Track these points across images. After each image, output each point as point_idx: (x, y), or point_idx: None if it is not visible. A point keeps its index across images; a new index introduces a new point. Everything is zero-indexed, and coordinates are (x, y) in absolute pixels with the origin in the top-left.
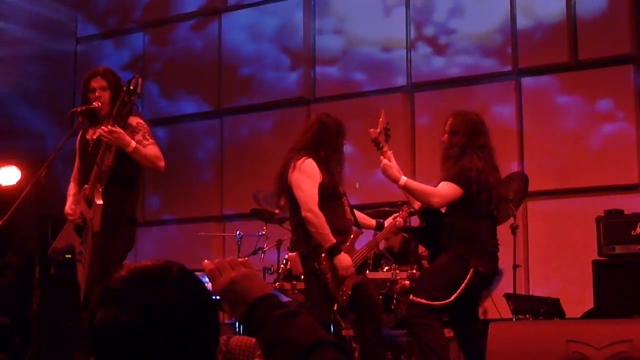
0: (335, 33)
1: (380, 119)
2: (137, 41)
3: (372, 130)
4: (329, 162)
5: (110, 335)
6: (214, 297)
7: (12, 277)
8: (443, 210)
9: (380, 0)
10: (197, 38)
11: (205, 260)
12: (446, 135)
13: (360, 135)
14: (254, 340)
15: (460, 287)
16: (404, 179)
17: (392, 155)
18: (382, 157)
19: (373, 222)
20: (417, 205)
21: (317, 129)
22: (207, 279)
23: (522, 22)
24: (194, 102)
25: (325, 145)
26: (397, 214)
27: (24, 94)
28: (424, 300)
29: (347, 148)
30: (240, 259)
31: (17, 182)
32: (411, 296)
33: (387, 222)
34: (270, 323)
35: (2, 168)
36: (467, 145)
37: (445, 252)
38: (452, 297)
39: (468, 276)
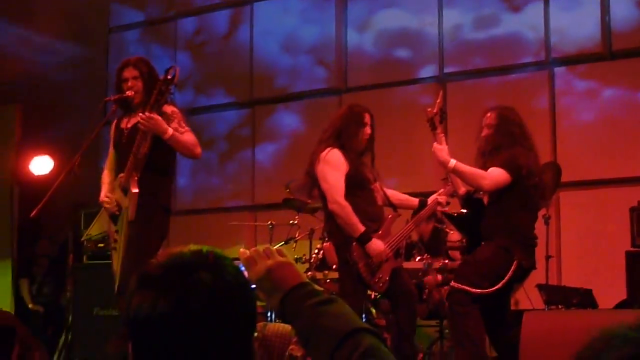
0: (367, 22)
1: (438, 100)
2: (171, 31)
3: (429, 109)
4: (354, 151)
5: (149, 321)
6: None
7: (46, 266)
8: (485, 200)
9: None
10: (230, 27)
11: (241, 249)
12: (486, 130)
13: (390, 123)
14: (289, 327)
15: (504, 279)
16: (453, 161)
17: (443, 137)
18: (434, 142)
19: (415, 201)
20: (462, 190)
21: (342, 118)
22: (242, 267)
23: (555, 11)
24: (226, 91)
25: (347, 135)
26: (441, 190)
27: (57, 83)
28: (466, 287)
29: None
30: (275, 247)
31: (50, 172)
32: (452, 282)
33: (431, 199)
34: (306, 311)
35: (36, 158)
36: (512, 138)
37: (487, 241)
38: (495, 288)
39: (512, 268)
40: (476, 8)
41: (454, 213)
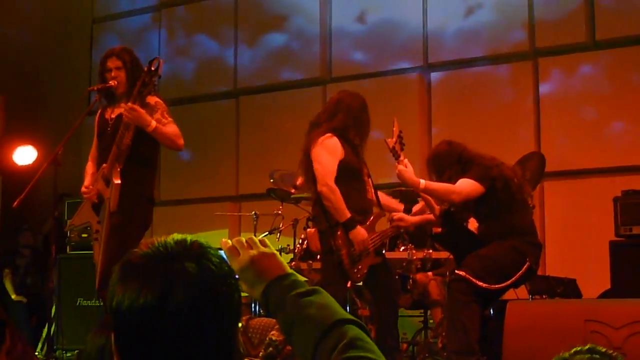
0: (352, 9)
1: (394, 128)
2: (154, 22)
3: (388, 140)
4: (357, 140)
5: (133, 311)
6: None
7: (29, 257)
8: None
9: None
10: (212, 17)
11: (224, 239)
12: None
13: (375, 114)
14: (273, 321)
15: (512, 279)
16: (422, 182)
17: (407, 162)
18: (397, 164)
19: (400, 207)
20: (436, 210)
21: (349, 107)
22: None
23: (538, 2)
24: (211, 83)
25: (359, 123)
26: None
27: (40, 73)
28: (470, 277)
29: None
30: (258, 238)
31: (33, 162)
32: (457, 270)
33: (416, 208)
34: (289, 302)
35: (19, 148)
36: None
37: (500, 240)
38: (500, 286)
39: (522, 270)
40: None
41: (436, 234)
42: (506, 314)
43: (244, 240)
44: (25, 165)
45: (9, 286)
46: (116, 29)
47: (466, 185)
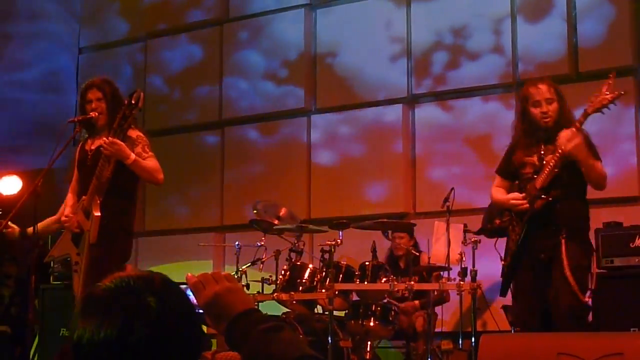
0: (336, 40)
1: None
2: (138, 52)
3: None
4: None
5: (93, 345)
6: (197, 311)
7: (13, 286)
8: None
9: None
10: (198, 48)
11: (188, 274)
12: (555, 104)
13: (356, 146)
14: (238, 356)
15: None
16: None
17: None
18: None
19: None
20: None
21: None
22: (190, 292)
23: (522, 32)
24: (196, 113)
25: None
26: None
27: (26, 102)
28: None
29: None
30: (224, 273)
31: (18, 192)
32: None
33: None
34: (253, 338)
35: (4, 177)
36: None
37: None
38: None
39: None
40: (444, 29)
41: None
42: (479, 347)
43: (209, 274)
44: (10, 195)
45: None
46: (102, 59)
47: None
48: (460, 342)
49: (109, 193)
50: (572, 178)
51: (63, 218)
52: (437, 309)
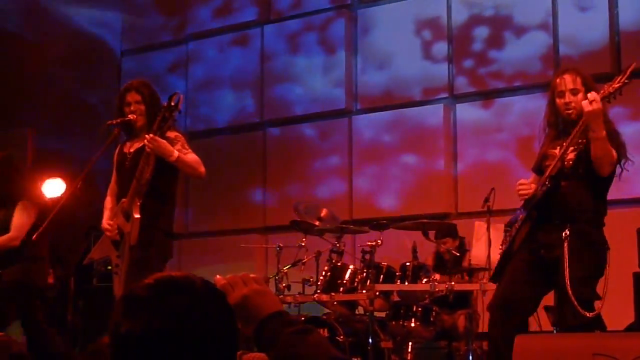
0: (377, 41)
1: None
2: (181, 54)
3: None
4: None
5: (130, 341)
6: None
7: (58, 288)
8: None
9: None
10: (238, 50)
11: (218, 276)
12: (581, 95)
13: (400, 145)
14: (265, 357)
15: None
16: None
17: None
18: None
19: None
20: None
21: None
22: None
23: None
24: (238, 113)
25: None
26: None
27: (69, 106)
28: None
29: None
30: (252, 275)
31: (62, 194)
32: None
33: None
34: (282, 340)
35: (48, 180)
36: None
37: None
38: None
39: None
40: (485, 28)
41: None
42: (514, 348)
43: (238, 277)
44: (54, 198)
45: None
46: (144, 62)
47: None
48: None
49: (149, 195)
50: (586, 171)
51: (104, 225)
52: (480, 309)
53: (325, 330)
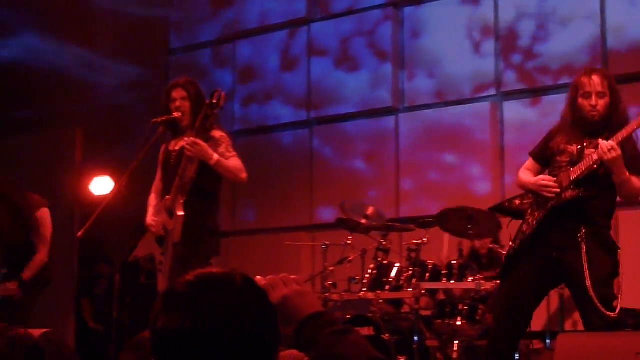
0: (423, 38)
1: None
2: (229, 53)
3: None
4: None
5: (172, 340)
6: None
7: (106, 286)
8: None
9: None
10: (287, 48)
11: (258, 277)
12: (607, 99)
13: (448, 144)
14: (302, 355)
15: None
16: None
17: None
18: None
19: None
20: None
21: None
22: None
23: (611, 42)
24: (285, 112)
25: None
26: None
27: (117, 105)
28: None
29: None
30: (292, 276)
31: (110, 193)
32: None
33: None
34: (322, 340)
35: (96, 178)
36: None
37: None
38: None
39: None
40: (533, 24)
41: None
42: (556, 346)
43: (278, 278)
44: (102, 196)
45: (87, 315)
46: (192, 61)
47: None
48: (548, 341)
49: (192, 192)
50: (608, 178)
51: (148, 222)
52: None
53: (371, 328)
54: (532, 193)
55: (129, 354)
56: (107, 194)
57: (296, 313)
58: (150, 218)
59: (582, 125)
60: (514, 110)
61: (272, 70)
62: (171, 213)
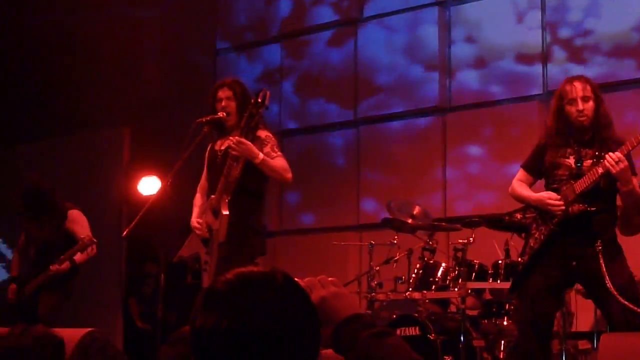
0: (470, 42)
1: None
2: (274, 53)
3: None
4: None
5: (211, 337)
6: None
7: (154, 285)
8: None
9: (513, 6)
10: (333, 48)
11: (295, 278)
12: (591, 103)
13: (494, 142)
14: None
15: None
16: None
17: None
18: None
19: None
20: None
21: None
22: None
23: None
24: (331, 112)
25: None
26: None
27: (165, 105)
28: None
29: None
30: (330, 278)
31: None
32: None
33: None
34: (360, 343)
35: (144, 178)
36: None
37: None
38: None
39: None
40: (583, 19)
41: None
42: (599, 347)
43: (316, 280)
44: (150, 196)
45: (134, 314)
46: (239, 61)
47: None
48: (596, 342)
49: (237, 192)
50: (611, 188)
51: (193, 223)
52: (573, 308)
53: (417, 328)
54: (534, 208)
55: (170, 349)
56: (155, 194)
57: (334, 315)
58: (194, 220)
59: (569, 134)
60: None
61: (319, 69)
62: (216, 212)
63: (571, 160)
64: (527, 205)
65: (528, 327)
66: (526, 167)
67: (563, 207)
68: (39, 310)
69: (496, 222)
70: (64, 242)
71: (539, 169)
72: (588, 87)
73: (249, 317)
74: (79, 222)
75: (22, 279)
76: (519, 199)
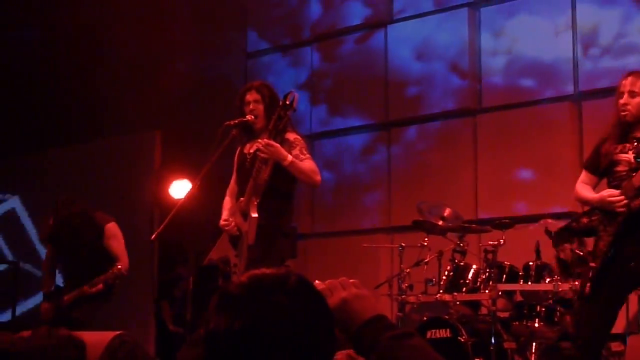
0: (501, 39)
1: None
2: (306, 56)
3: None
4: None
5: (224, 339)
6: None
7: (185, 288)
8: None
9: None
10: (364, 50)
11: (317, 281)
12: (637, 99)
13: (524, 143)
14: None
15: None
16: None
17: None
18: None
19: None
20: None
21: None
22: None
23: None
24: (362, 114)
25: None
26: None
27: (196, 109)
28: None
29: None
30: (351, 280)
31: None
32: None
33: None
34: (381, 345)
35: (175, 181)
36: None
37: None
38: None
39: None
40: (614, 18)
41: None
42: (627, 348)
43: (337, 281)
44: (181, 199)
45: (166, 317)
46: (269, 64)
47: None
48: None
49: (267, 194)
50: None
51: (222, 222)
52: None
53: (448, 330)
54: (598, 209)
55: (189, 351)
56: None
57: (355, 317)
58: (223, 218)
59: (621, 127)
60: (593, 108)
61: (349, 73)
62: (245, 215)
63: (630, 156)
64: (591, 207)
65: (589, 332)
66: (587, 167)
67: (625, 202)
68: (73, 313)
69: (564, 231)
70: (99, 258)
71: (600, 166)
72: (638, 83)
73: (261, 319)
74: (115, 237)
75: (55, 294)
76: (582, 201)
